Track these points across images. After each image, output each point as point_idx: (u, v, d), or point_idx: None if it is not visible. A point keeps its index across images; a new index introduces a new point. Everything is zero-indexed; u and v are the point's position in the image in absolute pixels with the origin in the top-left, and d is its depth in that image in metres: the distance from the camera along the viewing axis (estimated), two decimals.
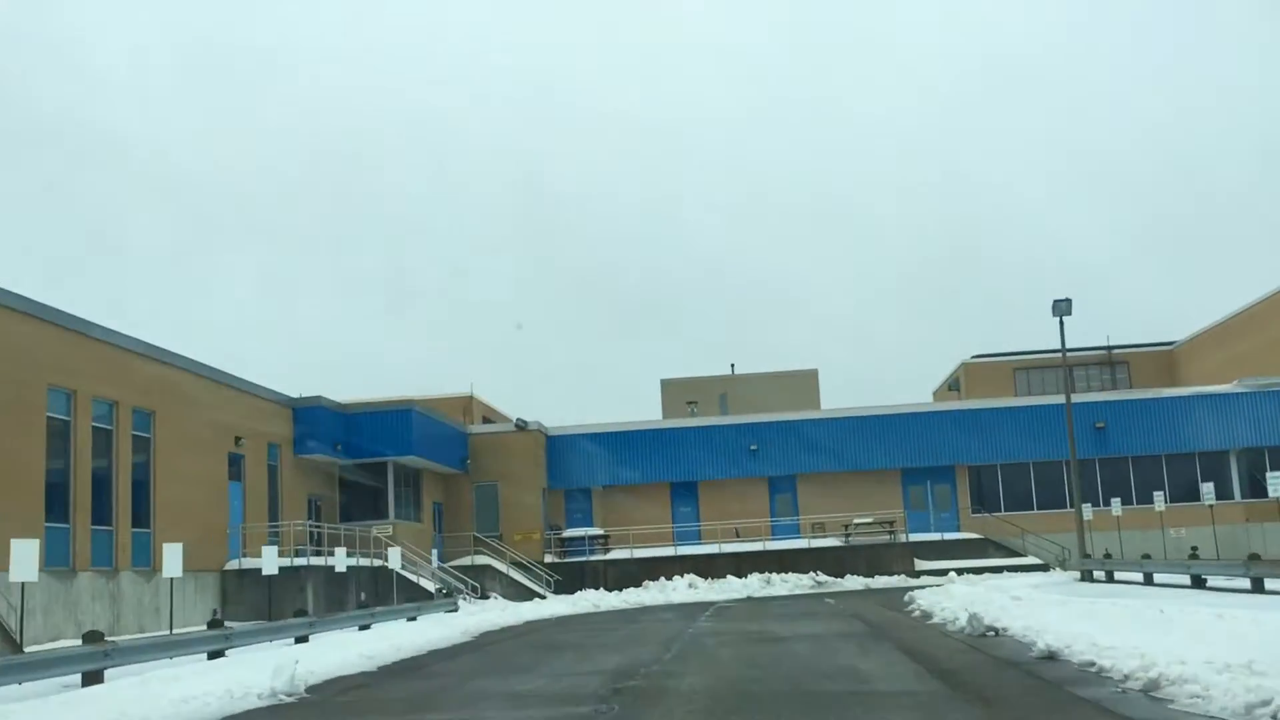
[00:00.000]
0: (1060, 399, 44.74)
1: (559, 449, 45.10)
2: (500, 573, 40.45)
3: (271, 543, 32.36)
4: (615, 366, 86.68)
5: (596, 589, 39.28)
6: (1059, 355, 59.52)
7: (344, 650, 17.23)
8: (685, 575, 39.73)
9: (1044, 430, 43.71)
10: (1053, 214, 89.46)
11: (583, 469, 44.98)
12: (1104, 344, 57.53)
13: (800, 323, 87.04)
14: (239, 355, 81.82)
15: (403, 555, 34.48)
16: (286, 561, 29.83)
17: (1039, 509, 43.62)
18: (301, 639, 21.06)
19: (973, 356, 59.33)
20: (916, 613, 21.79)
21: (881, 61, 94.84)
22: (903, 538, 42.12)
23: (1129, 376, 56.12)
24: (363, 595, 28.64)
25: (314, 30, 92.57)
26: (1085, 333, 73.84)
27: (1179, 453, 43.50)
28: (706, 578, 39.64)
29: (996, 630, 16.06)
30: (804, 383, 55.42)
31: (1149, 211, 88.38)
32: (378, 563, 34.97)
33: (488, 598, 38.67)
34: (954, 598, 23.01)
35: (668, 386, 57.74)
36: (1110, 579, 32.11)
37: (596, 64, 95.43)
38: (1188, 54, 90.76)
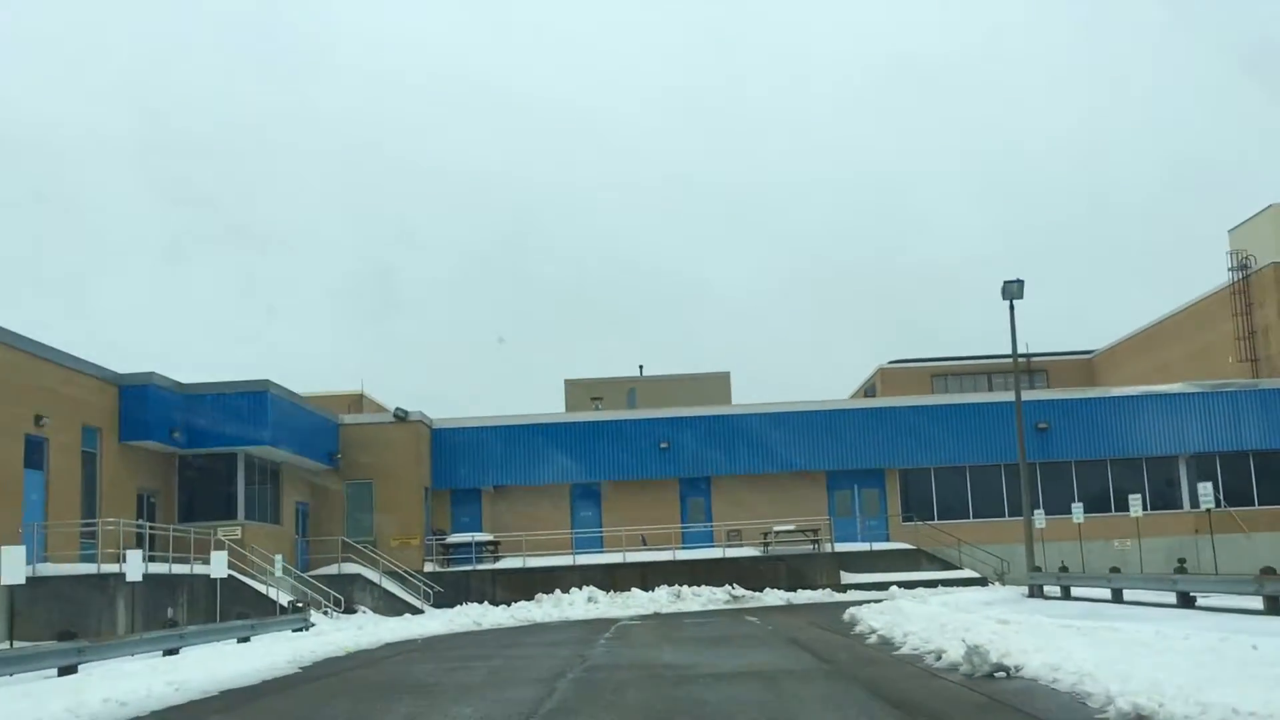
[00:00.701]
0: (998, 397, 41.07)
1: (445, 444, 39.91)
2: (372, 583, 35.12)
3: (87, 545, 26.81)
4: (520, 371, 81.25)
5: (482, 602, 34.25)
6: (977, 362, 56.95)
7: (85, 694, 12.02)
8: (584, 587, 34.90)
9: (981, 431, 39.84)
10: (966, 225, 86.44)
11: (472, 467, 39.85)
12: (1022, 352, 54.18)
13: (712, 328, 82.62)
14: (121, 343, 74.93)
15: (237, 561, 29.10)
16: (91, 568, 24.29)
17: (975, 517, 39.66)
18: (67, 670, 15.76)
19: (889, 362, 55.75)
20: (872, 639, 17.21)
21: (801, 65, 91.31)
22: (828, 548, 37.77)
23: (1048, 385, 53.05)
24: (170, 611, 23.20)
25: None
26: (1002, 341, 71.19)
27: (1124, 457, 39.91)
28: (608, 590, 34.86)
29: (1008, 670, 11.50)
30: (716, 385, 50.90)
31: (1059, 223, 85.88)
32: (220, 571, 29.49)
33: (354, 612, 33.37)
34: (912, 619, 18.52)
35: (572, 387, 52.81)
36: (1067, 595, 28.12)
37: (509, 48, 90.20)
38: (1101, 68, 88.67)
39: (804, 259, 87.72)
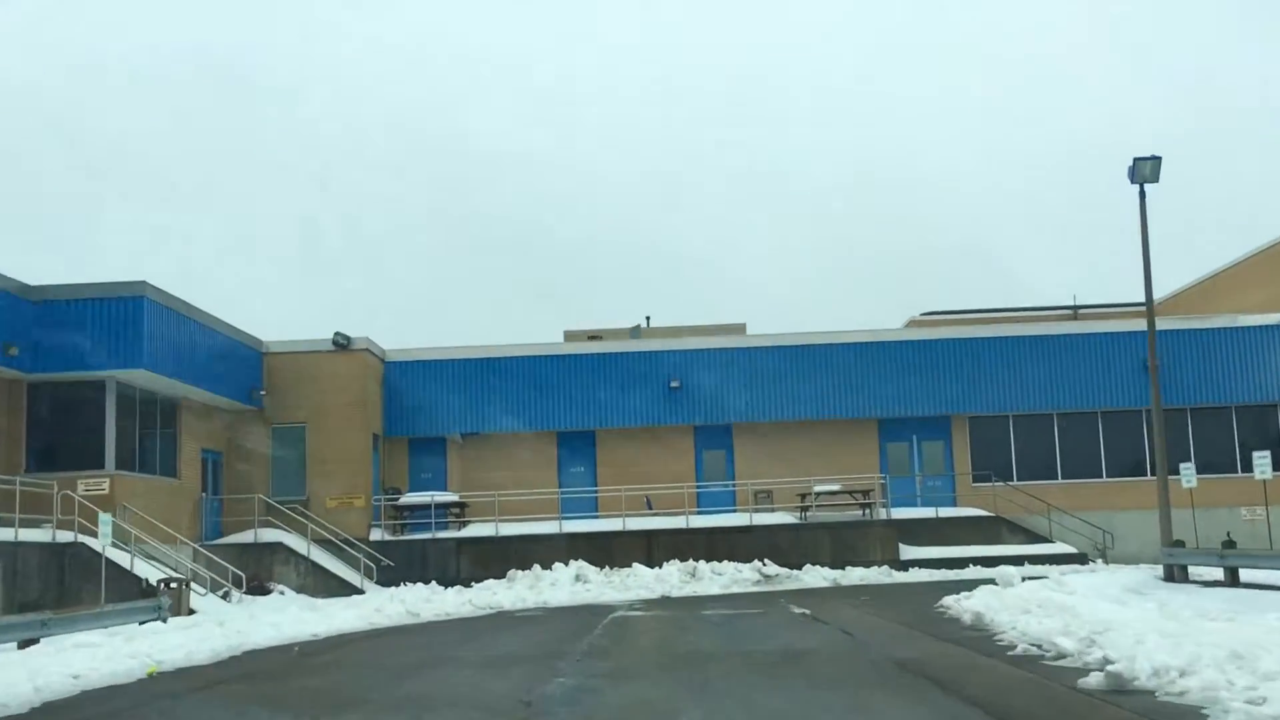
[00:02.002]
0: (1096, 327, 32.88)
1: (401, 381, 31.86)
2: (297, 555, 27.23)
3: None
4: (522, 330, 72.42)
5: (434, 582, 26.50)
6: (1019, 313, 48.37)
7: None
8: (572, 562, 26.97)
9: (1073, 370, 31.74)
10: (985, 184, 76.69)
11: (434, 410, 31.79)
12: (1069, 304, 45.76)
13: (722, 291, 73.15)
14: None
15: (93, 525, 21.16)
16: None
17: (1064, 478, 31.57)
18: None
19: (921, 314, 47.09)
20: (1094, 678, 8.97)
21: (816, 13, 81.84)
22: (882, 513, 29.74)
23: None
24: None
25: None
26: (1043, 293, 62.76)
27: (1255, 403, 31.77)
28: (603, 566, 26.95)
29: None
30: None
31: (1083, 180, 76.23)
32: (66, 536, 21.66)
33: (268, 592, 25.50)
34: (1121, 628, 10.45)
35: (571, 337, 44.45)
36: (1234, 581, 20.18)
37: (510, 14, 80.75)
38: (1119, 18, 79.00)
39: (819, 218, 78.29)
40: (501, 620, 19.44)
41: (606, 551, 28.04)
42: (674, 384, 31.64)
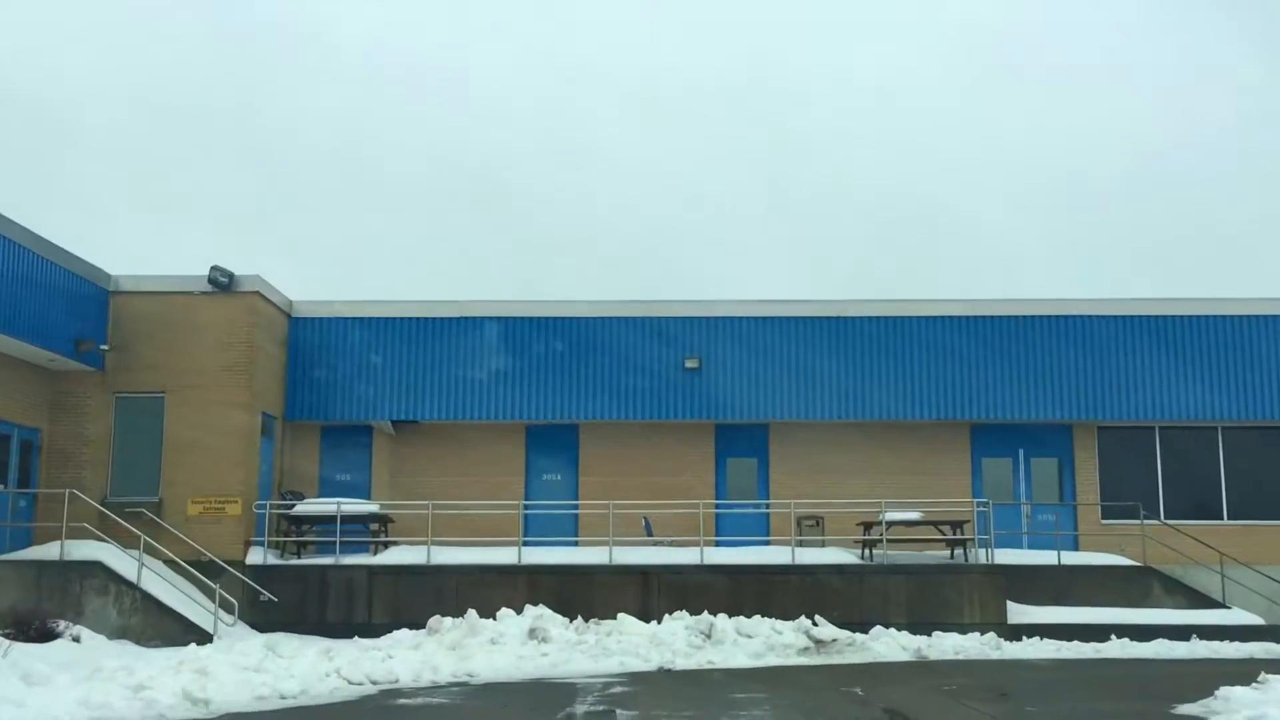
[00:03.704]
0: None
1: (313, 347, 23.07)
2: (122, 582, 18.37)
3: None
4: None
5: (280, 631, 17.80)
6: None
7: None
8: (530, 608, 18.04)
9: (1249, 361, 22.82)
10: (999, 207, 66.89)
11: (359, 387, 22.95)
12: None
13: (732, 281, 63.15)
14: None
15: None
16: None
17: (1231, 518, 22.60)
18: None
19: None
20: None
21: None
22: (981, 556, 20.64)
23: None
24: None
25: None
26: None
27: None
28: (574, 616, 18.07)
29: None
30: None
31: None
32: None
33: (54, 637, 16.54)
34: None
35: None
36: None
37: None
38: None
39: (842, 221, 68.25)
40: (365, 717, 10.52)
41: (583, 594, 19.17)
42: (690, 363, 22.75)
